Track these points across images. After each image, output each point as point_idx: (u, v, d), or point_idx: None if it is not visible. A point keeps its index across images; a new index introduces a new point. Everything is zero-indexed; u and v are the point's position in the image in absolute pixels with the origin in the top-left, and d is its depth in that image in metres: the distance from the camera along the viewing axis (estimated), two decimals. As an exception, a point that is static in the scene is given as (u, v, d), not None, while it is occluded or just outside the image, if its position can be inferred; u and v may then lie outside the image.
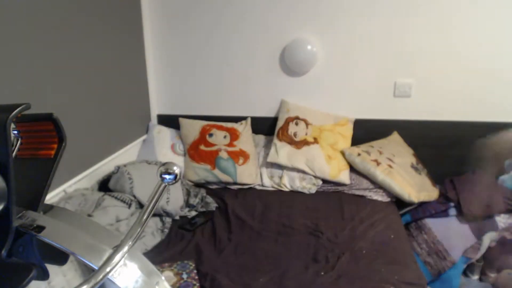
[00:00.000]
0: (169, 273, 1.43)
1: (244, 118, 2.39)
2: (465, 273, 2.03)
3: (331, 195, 2.07)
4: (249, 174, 2.15)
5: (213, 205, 1.96)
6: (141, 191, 1.76)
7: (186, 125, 2.33)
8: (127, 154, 2.16)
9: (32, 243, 0.36)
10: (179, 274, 1.42)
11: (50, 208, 0.38)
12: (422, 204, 1.97)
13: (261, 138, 2.37)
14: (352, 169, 2.12)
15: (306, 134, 2.18)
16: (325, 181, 2.13)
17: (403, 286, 1.37)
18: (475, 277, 2.03)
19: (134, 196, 1.74)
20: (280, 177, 2.16)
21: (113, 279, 0.31)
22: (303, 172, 2.13)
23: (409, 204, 1.98)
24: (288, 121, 2.22)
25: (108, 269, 0.29)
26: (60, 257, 0.40)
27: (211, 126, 2.29)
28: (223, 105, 2.41)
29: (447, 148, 2.21)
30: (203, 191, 2.07)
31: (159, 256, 1.54)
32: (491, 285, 1.99)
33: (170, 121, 2.44)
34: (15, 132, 0.38)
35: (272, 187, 2.17)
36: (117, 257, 0.30)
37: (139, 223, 0.32)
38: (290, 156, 2.12)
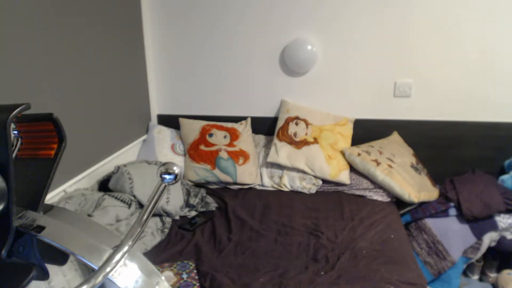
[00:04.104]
0: (169, 273, 1.43)
1: (244, 118, 2.39)
2: (465, 273, 2.03)
3: (331, 195, 2.07)
4: (249, 174, 2.15)
5: (213, 205, 1.96)
6: (141, 191, 1.76)
7: (186, 125, 2.33)
8: (127, 154, 2.16)
9: (32, 243, 0.36)
10: (179, 274, 1.42)
11: (50, 208, 0.38)
12: (422, 204, 1.97)
13: (261, 138, 2.37)
14: (352, 169, 2.12)
15: (306, 134, 2.18)
16: (325, 181, 2.13)
17: (403, 286, 1.37)
18: (475, 277, 2.03)
19: (134, 196, 1.74)
20: (280, 177, 2.16)
21: (113, 279, 0.31)
22: (303, 172, 2.13)
23: (409, 204, 1.98)
24: (288, 121, 2.22)
25: (108, 269, 0.29)
26: (60, 257, 0.40)
27: (211, 126, 2.29)
28: (223, 105, 2.41)
29: (447, 148, 2.21)
30: (203, 191, 2.07)
31: (159, 256, 1.54)
32: (491, 285, 1.99)
33: (170, 121, 2.44)
34: (15, 132, 0.38)
35: (272, 187, 2.17)
36: (117, 257, 0.30)
37: (139, 223, 0.32)
38: (290, 156, 2.12)
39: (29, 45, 1.42)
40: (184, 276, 1.41)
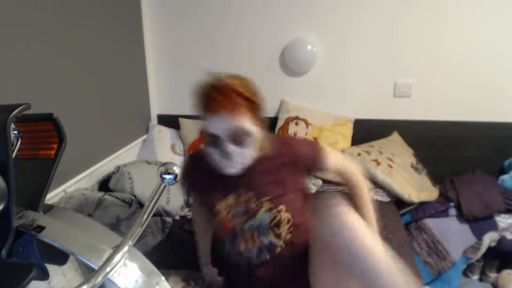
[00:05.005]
0: (176, 278, 1.42)
1: (244, 118, 2.38)
2: (465, 273, 2.03)
3: (331, 195, 2.06)
4: (249, 174, 2.15)
5: (213, 205, 1.95)
6: (141, 190, 1.76)
7: (186, 125, 2.33)
8: (127, 154, 2.16)
9: (32, 243, 0.36)
10: (186, 280, 1.42)
11: (50, 208, 0.38)
12: (422, 204, 1.97)
13: (261, 138, 2.36)
14: (352, 169, 2.12)
15: (306, 134, 2.18)
16: (325, 181, 2.13)
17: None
18: (475, 277, 2.03)
19: (135, 196, 1.74)
20: (280, 177, 2.16)
21: (113, 279, 0.31)
22: (303, 172, 2.12)
23: (409, 204, 1.98)
24: (288, 121, 2.22)
25: (108, 269, 0.29)
26: (60, 257, 0.40)
27: (211, 126, 2.29)
28: (223, 105, 2.40)
29: (447, 148, 2.21)
30: (203, 191, 2.06)
31: (159, 256, 1.54)
32: (491, 285, 1.99)
33: (170, 121, 2.44)
34: (15, 132, 0.38)
35: (272, 187, 2.17)
36: (117, 257, 0.30)
37: (139, 223, 0.32)
38: (290, 156, 2.12)
39: (29, 45, 1.42)
40: (192, 283, 1.41)
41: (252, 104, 0.96)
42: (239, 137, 0.91)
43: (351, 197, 1.15)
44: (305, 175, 1.08)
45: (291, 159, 1.04)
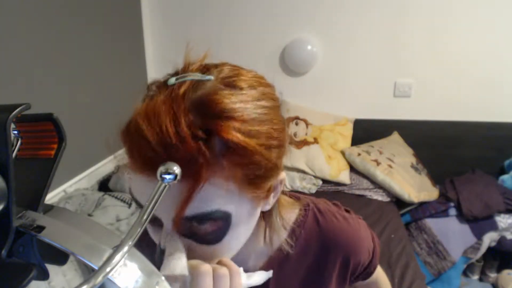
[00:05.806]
0: None
1: (244, 118, 2.38)
2: (465, 273, 2.03)
3: (331, 195, 2.07)
4: (249, 174, 2.14)
5: (213, 205, 1.95)
6: (141, 191, 1.76)
7: (186, 125, 2.33)
8: (127, 154, 2.16)
9: (32, 243, 0.36)
10: None
11: (50, 208, 0.38)
12: (422, 204, 1.97)
13: (261, 138, 2.36)
14: (352, 169, 2.12)
15: (306, 134, 2.18)
16: (325, 181, 2.13)
17: (403, 286, 1.37)
18: (475, 277, 2.03)
19: (134, 196, 1.74)
20: (280, 177, 2.16)
21: (113, 279, 0.31)
22: (303, 172, 2.12)
23: (409, 204, 1.98)
24: (288, 121, 2.22)
25: (108, 269, 0.29)
26: (60, 257, 0.39)
27: (211, 126, 2.29)
28: (223, 105, 2.41)
29: (447, 148, 2.21)
30: (203, 191, 2.06)
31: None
32: (491, 285, 1.99)
33: (170, 121, 2.43)
34: (15, 132, 0.38)
35: (272, 187, 2.17)
36: (117, 257, 0.30)
37: (139, 223, 0.32)
38: (290, 156, 2.12)
39: (29, 45, 1.42)
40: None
41: (257, 165, 0.42)
42: (201, 230, 0.43)
43: None
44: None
45: (341, 264, 0.60)
